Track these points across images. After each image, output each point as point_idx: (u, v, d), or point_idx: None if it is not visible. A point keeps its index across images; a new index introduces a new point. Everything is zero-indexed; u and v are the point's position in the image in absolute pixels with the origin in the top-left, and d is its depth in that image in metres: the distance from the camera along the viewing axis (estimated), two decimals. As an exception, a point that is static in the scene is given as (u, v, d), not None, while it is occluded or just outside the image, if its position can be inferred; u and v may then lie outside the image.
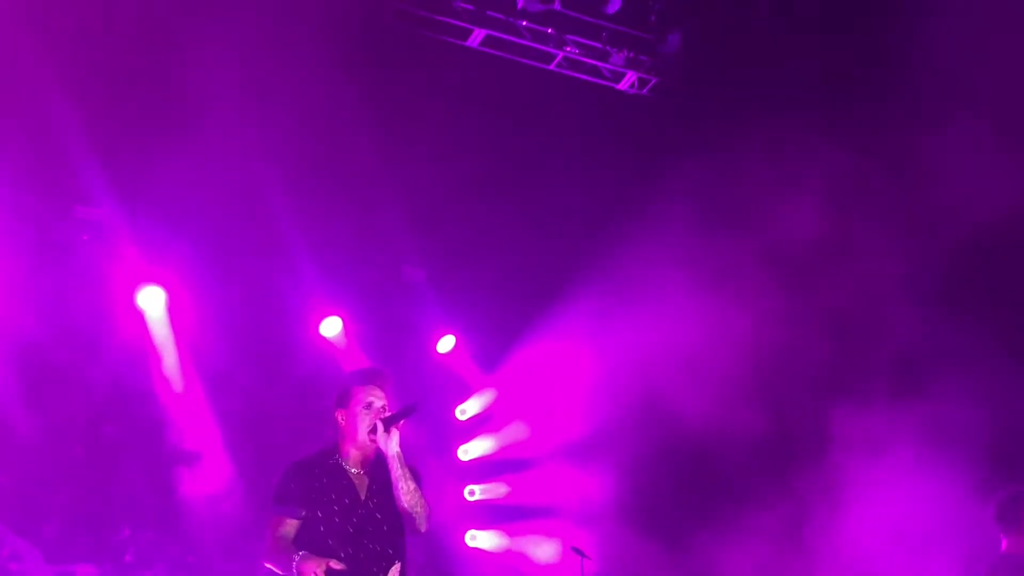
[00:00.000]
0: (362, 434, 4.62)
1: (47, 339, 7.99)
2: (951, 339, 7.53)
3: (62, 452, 8.15)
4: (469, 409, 10.71)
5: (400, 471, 4.56)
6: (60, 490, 8.09)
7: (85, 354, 8.26)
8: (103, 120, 7.47)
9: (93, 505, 8.20)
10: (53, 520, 8.04)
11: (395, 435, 4.58)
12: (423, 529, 4.69)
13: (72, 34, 7.14)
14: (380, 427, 4.57)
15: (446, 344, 10.27)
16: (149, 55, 7.48)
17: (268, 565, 4.53)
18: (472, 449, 10.62)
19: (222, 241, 8.59)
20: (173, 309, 8.51)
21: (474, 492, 10.57)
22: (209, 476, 8.64)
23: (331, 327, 9.32)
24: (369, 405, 4.66)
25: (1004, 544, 6.05)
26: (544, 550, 10.01)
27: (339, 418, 4.74)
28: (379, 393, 4.72)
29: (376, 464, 4.68)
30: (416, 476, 4.68)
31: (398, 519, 4.65)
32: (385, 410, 4.68)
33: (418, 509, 4.62)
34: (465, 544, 10.36)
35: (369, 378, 4.78)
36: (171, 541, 8.46)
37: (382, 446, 4.57)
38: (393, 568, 4.60)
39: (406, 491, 4.57)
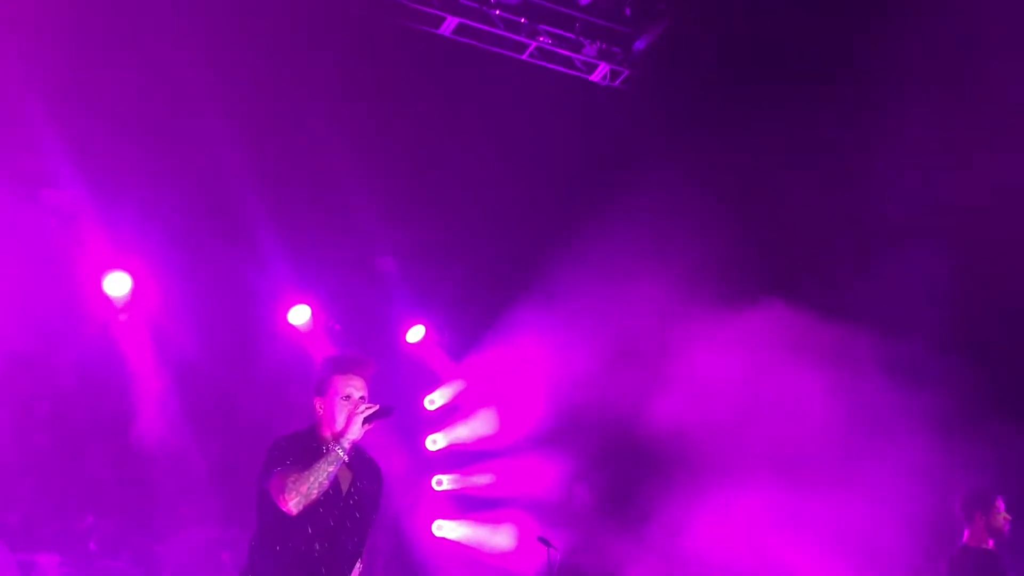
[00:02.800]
0: (339, 424, 4.52)
1: (11, 325, 7.89)
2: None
3: (26, 440, 8.06)
4: (437, 399, 10.71)
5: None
6: (24, 479, 8.01)
7: (51, 341, 8.18)
8: (71, 104, 7.38)
9: (57, 494, 8.14)
10: (17, 509, 7.97)
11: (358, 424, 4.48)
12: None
13: (39, 18, 7.04)
14: (358, 421, 4.46)
15: (416, 334, 10.26)
16: (119, 41, 7.40)
17: (295, 500, 4.32)
18: (440, 439, 10.62)
19: (190, 228, 8.52)
20: (140, 296, 8.43)
21: (441, 482, 10.58)
22: (175, 464, 8.59)
23: (300, 315, 9.28)
24: (348, 396, 4.57)
25: (965, 535, 6.17)
26: (510, 540, 10.04)
27: (317, 406, 4.66)
28: (358, 383, 4.62)
29: (355, 457, 4.62)
30: (375, 472, 4.68)
31: (371, 516, 4.64)
32: (364, 401, 4.58)
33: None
34: (432, 533, 10.37)
35: (349, 366, 4.66)
36: (136, 530, 8.41)
37: (348, 430, 4.45)
38: (355, 569, 4.61)
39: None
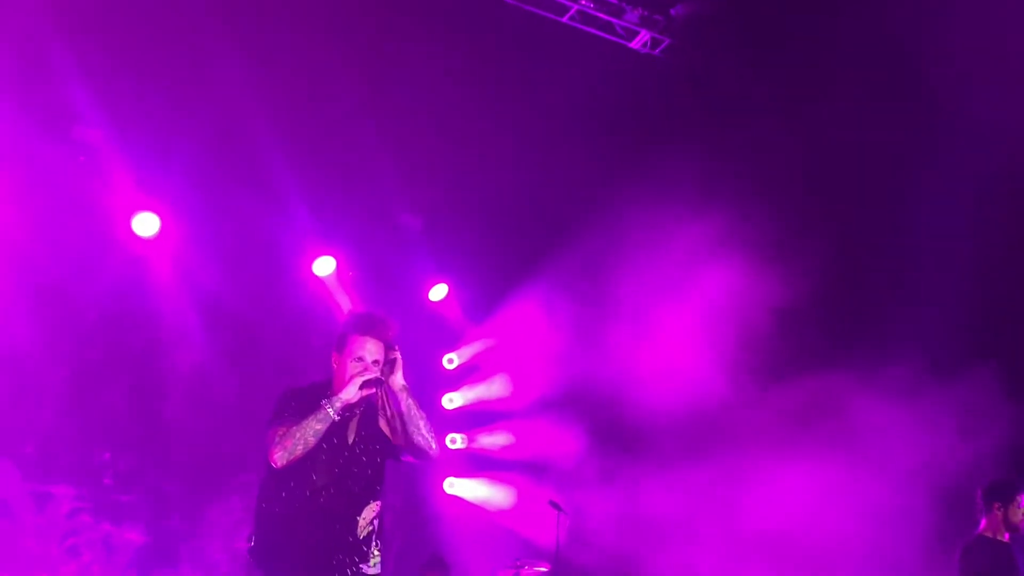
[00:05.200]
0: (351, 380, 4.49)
1: (38, 259, 7.94)
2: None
3: (47, 372, 8.11)
4: (456, 358, 10.72)
5: (408, 402, 4.48)
6: (43, 411, 8.08)
7: (77, 276, 8.22)
8: (101, 47, 7.38)
9: (75, 427, 8.19)
10: (34, 439, 8.05)
11: (399, 369, 4.48)
12: (435, 454, 4.59)
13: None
14: (355, 383, 4.44)
15: (438, 293, 10.26)
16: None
17: (281, 455, 4.34)
18: (456, 398, 10.65)
19: (216, 174, 8.53)
20: (166, 237, 8.45)
21: (455, 440, 10.61)
22: (193, 405, 8.65)
23: (324, 266, 9.29)
24: (360, 358, 4.52)
25: (982, 524, 6.12)
26: (521, 502, 10.07)
27: (333, 361, 4.63)
28: (374, 347, 4.53)
29: (365, 411, 4.62)
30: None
31: (381, 466, 4.61)
32: (378, 364, 4.53)
33: (429, 436, 4.53)
34: (443, 490, 10.42)
35: (367, 327, 4.58)
36: (151, 467, 8.49)
37: (391, 383, 4.46)
38: (370, 506, 4.57)
39: (417, 420, 4.49)
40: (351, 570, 4.49)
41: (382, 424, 4.64)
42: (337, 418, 4.42)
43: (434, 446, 4.60)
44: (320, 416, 4.37)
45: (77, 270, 8.22)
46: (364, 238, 9.54)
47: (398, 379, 4.50)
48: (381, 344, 4.58)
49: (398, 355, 4.54)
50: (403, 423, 4.51)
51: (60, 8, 7.04)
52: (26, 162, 7.82)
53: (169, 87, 7.69)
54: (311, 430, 4.36)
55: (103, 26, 7.27)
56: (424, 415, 4.57)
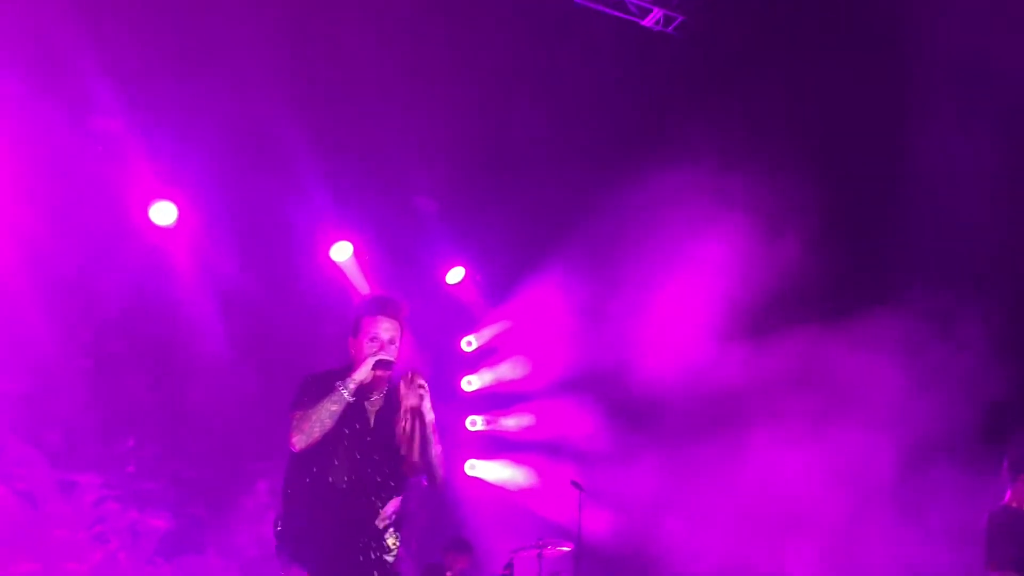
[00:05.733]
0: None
1: (59, 249, 8.00)
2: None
3: (70, 363, 8.18)
4: (474, 341, 10.75)
5: (432, 436, 4.51)
6: (66, 399, 8.14)
7: (96, 266, 8.28)
8: (117, 33, 7.39)
9: (99, 416, 8.25)
10: (58, 428, 8.12)
11: (427, 397, 4.49)
12: (438, 485, 4.65)
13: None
14: (368, 364, 4.48)
15: (455, 275, 10.27)
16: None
17: (298, 439, 4.37)
18: (475, 380, 10.68)
19: (232, 159, 8.55)
20: (184, 225, 8.49)
21: (475, 422, 10.65)
22: (214, 392, 8.70)
23: (341, 252, 9.31)
24: (375, 338, 4.55)
25: (1007, 495, 6.08)
26: (542, 482, 10.11)
27: (350, 346, 4.66)
28: (388, 325, 4.58)
29: (387, 397, 4.62)
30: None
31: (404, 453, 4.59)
32: (394, 343, 4.57)
33: (439, 470, 4.60)
34: (464, 472, 10.47)
35: (379, 308, 4.63)
36: (174, 454, 8.55)
37: (419, 405, 4.47)
38: (392, 501, 4.59)
39: (436, 454, 4.55)
40: (374, 554, 4.52)
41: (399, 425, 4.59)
42: (351, 399, 4.44)
43: (439, 479, 4.63)
44: (334, 397, 4.40)
45: (96, 260, 8.27)
46: (381, 222, 9.56)
47: (426, 411, 4.49)
48: (396, 323, 4.62)
49: (425, 387, 4.50)
50: (420, 447, 4.51)
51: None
52: (45, 152, 7.86)
53: (186, 74, 7.71)
54: (326, 412, 4.39)
55: (119, 14, 7.28)
56: (440, 450, 4.59)
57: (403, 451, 4.52)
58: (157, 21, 7.53)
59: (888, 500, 7.85)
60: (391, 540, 4.60)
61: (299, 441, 4.38)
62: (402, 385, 4.52)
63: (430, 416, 4.52)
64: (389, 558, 4.58)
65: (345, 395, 4.42)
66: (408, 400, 4.49)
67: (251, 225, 8.89)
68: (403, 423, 4.53)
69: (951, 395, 7.55)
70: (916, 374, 7.78)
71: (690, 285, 8.71)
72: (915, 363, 7.78)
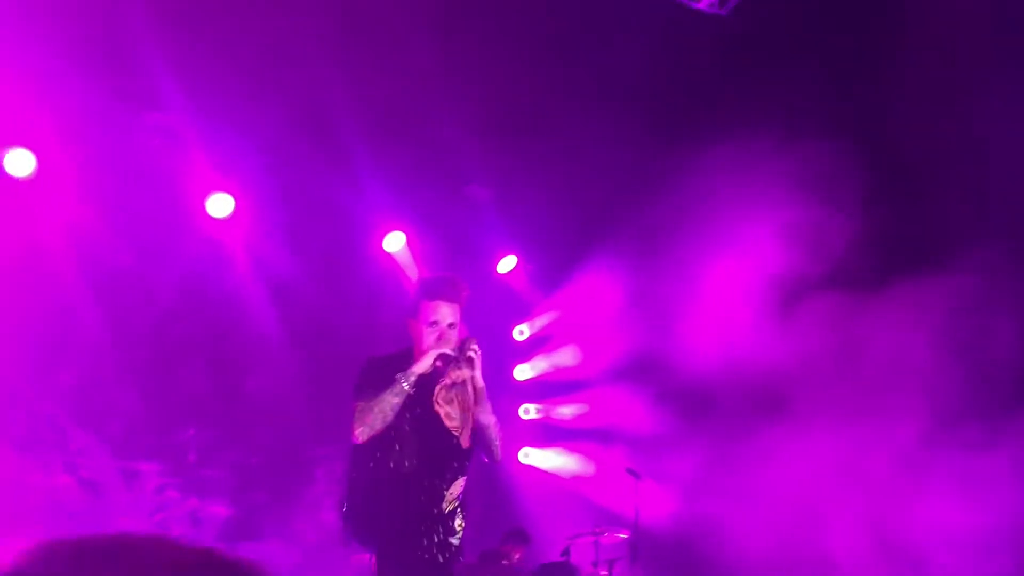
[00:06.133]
0: (428, 347, 4.51)
1: (117, 241, 8.11)
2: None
3: (129, 353, 8.31)
4: (527, 330, 10.75)
5: (482, 404, 4.51)
6: (126, 389, 8.27)
7: (154, 258, 8.39)
8: (175, 29, 7.46)
9: (158, 405, 8.37)
10: (119, 418, 8.25)
11: (478, 369, 4.48)
12: (498, 458, 4.67)
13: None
14: (429, 356, 4.46)
15: (507, 264, 10.28)
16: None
17: (361, 431, 4.40)
18: (528, 369, 10.68)
19: (287, 153, 8.61)
20: (239, 217, 8.58)
21: (528, 411, 10.66)
22: (272, 380, 8.79)
23: (394, 242, 9.36)
24: (435, 323, 4.52)
25: None
26: (597, 470, 10.09)
27: (410, 328, 4.64)
28: (448, 309, 4.54)
29: (450, 383, 4.59)
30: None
31: (473, 434, 4.60)
32: (453, 327, 4.53)
33: (495, 442, 4.60)
34: (518, 461, 10.48)
35: (437, 291, 4.58)
36: (233, 442, 8.65)
37: (467, 378, 4.48)
38: (457, 482, 4.60)
39: (488, 424, 4.55)
40: (437, 537, 4.54)
41: (440, 408, 4.59)
42: (412, 391, 4.44)
43: (496, 450, 4.63)
44: (395, 390, 4.40)
45: (154, 251, 8.39)
46: (433, 211, 9.59)
47: (477, 379, 4.49)
48: (456, 306, 4.58)
49: (475, 353, 4.49)
50: (472, 417, 4.53)
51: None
52: (104, 145, 7.98)
53: (243, 68, 7.77)
54: (388, 404, 4.40)
55: (177, 8, 7.36)
56: (495, 420, 4.58)
57: (450, 424, 4.50)
58: (214, 14, 7.59)
59: (943, 478, 7.72)
60: (457, 522, 4.60)
61: (361, 433, 4.41)
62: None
63: (480, 384, 4.50)
64: (454, 540, 4.59)
65: (405, 387, 4.42)
66: (456, 371, 4.47)
67: (305, 216, 8.96)
68: (450, 393, 4.52)
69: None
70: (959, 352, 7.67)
71: (740, 269, 8.63)
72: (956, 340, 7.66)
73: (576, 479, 10.28)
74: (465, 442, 4.52)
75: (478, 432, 4.56)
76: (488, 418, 4.55)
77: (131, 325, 8.36)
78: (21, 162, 7.64)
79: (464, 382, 4.50)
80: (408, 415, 4.50)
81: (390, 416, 4.41)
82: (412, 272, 9.43)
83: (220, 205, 8.45)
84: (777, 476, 8.45)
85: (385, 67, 8.17)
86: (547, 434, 10.57)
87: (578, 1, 8.44)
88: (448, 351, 4.48)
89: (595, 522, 8.56)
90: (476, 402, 4.51)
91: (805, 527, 8.27)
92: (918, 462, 7.81)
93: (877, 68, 8.01)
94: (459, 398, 4.54)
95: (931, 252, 7.88)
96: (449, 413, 4.52)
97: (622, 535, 8.27)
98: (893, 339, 7.96)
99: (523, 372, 10.69)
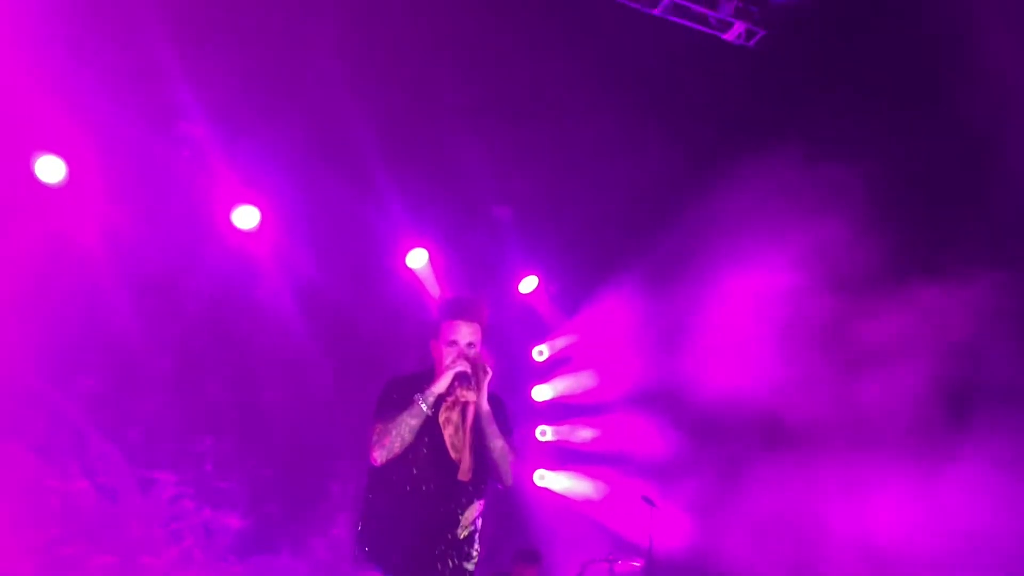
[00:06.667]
0: (447, 367, 4.45)
1: (145, 251, 8.18)
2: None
3: (151, 362, 8.35)
4: (546, 350, 10.74)
5: (487, 428, 4.45)
6: (147, 397, 8.31)
7: (179, 268, 8.44)
8: (202, 44, 7.55)
9: (178, 414, 8.41)
10: (138, 426, 8.29)
11: (484, 391, 4.45)
12: (507, 483, 4.58)
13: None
14: (447, 376, 4.43)
15: (528, 284, 10.29)
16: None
17: (379, 454, 4.37)
18: (546, 390, 10.66)
19: (313, 168, 8.67)
20: (265, 229, 8.63)
21: (545, 432, 10.64)
22: (291, 394, 8.82)
23: (417, 259, 9.39)
24: (454, 342, 4.50)
25: None
26: (612, 495, 10.05)
27: (432, 349, 4.63)
28: (467, 329, 4.52)
29: (467, 405, 4.53)
30: (505, 421, 4.58)
31: (483, 459, 4.54)
32: (473, 346, 4.51)
33: (504, 467, 4.52)
34: (533, 482, 10.45)
35: (457, 311, 4.57)
36: (250, 454, 8.68)
37: (472, 399, 4.44)
38: (473, 505, 4.58)
39: (493, 448, 4.47)
40: (452, 562, 4.50)
41: (444, 429, 4.53)
42: (431, 413, 4.42)
43: (507, 475, 4.55)
44: (413, 412, 4.38)
45: (180, 262, 8.44)
46: (456, 230, 9.62)
47: (481, 404, 4.45)
48: (476, 326, 4.55)
49: (485, 375, 4.45)
50: (474, 443, 4.47)
51: (165, 6, 7.22)
52: (133, 157, 8.05)
53: (270, 84, 7.85)
54: (406, 426, 4.38)
55: (206, 23, 7.44)
56: (503, 444, 4.50)
57: (454, 454, 4.46)
58: (242, 30, 7.68)
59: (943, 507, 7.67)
60: (473, 548, 4.57)
61: (380, 456, 4.39)
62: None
63: (484, 408, 4.45)
64: (469, 566, 4.54)
65: (424, 408, 4.40)
66: (464, 392, 4.42)
67: (330, 230, 9.01)
68: (451, 413, 4.48)
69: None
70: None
71: (760, 300, 8.62)
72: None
73: (591, 504, 10.24)
74: (464, 467, 4.47)
75: (485, 455, 4.52)
76: (495, 442, 4.49)
77: (156, 334, 8.41)
78: (52, 169, 7.72)
79: (467, 404, 4.47)
80: (426, 438, 4.48)
81: (409, 438, 4.39)
82: (434, 289, 9.46)
83: (246, 217, 8.50)
84: (795, 509, 8.41)
85: (409, 87, 8.23)
86: (563, 457, 10.54)
87: (608, 31, 8.49)
88: (466, 370, 4.45)
89: (609, 548, 8.54)
90: (482, 425, 4.46)
91: (814, 556, 8.25)
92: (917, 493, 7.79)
93: (907, 105, 7.99)
94: (459, 419, 4.51)
95: (942, 283, 7.87)
96: (451, 434, 4.51)
97: (636, 563, 8.23)
98: (912, 381, 7.95)
99: (541, 393, 10.67)
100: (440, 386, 4.43)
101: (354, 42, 7.82)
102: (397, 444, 4.40)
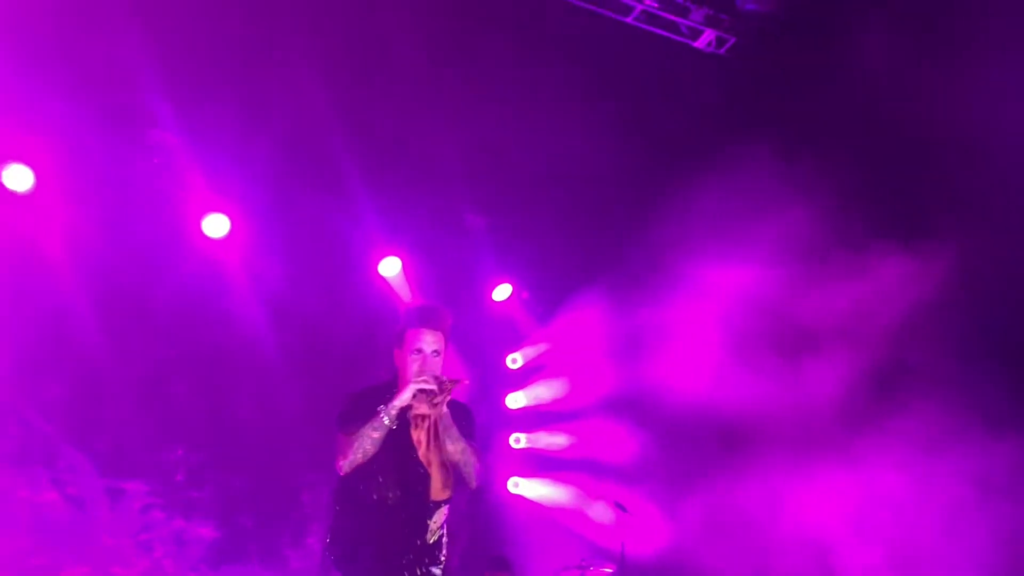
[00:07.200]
0: (412, 375, 4.50)
1: (113, 258, 8.12)
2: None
3: (121, 371, 8.28)
4: (520, 358, 10.75)
5: (444, 432, 4.48)
6: (116, 406, 8.23)
7: (149, 276, 8.38)
8: (173, 49, 7.53)
9: (148, 424, 8.33)
10: (108, 436, 8.22)
11: (442, 408, 4.46)
12: (473, 485, 4.63)
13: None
14: (410, 389, 4.44)
15: (502, 292, 10.29)
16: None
17: (344, 464, 4.41)
18: (520, 398, 10.67)
19: (284, 175, 8.64)
20: (235, 238, 8.59)
21: (519, 440, 10.63)
22: (262, 403, 8.77)
23: (390, 267, 9.37)
24: (419, 350, 4.53)
25: None
26: (585, 502, 10.07)
27: (395, 358, 4.66)
28: (431, 337, 4.56)
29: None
30: (470, 427, 4.62)
31: (449, 468, 4.59)
32: (438, 355, 4.55)
33: (467, 468, 4.56)
34: (507, 490, 10.45)
35: (423, 319, 4.60)
36: (221, 464, 8.62)
37: (428, 413, 4.49)
38: (441, 510, 4.61)
39: (453, 452, 4.51)
40: (420, 569, 4.52)
41: (414, 434, 4.58)
42: (394, 426, 4.44)
43: (471, 477, 4.58)
44: (376, 424, 4.40)
45: (149, 270, 8.37)
46: (429, 238, 9.61)
47: (439, 415, 4.47)
48: (439, 334, 4.58)
49: (449, 390, 4.45)
50: (434, 446, 4.52)
51: (135, 12, 7.19)
52: (100, 163, 8.00)
53: (240, 90, 7.83)
54: (368, 439, 4.40)
55: (177, 29, 7.42)
56: (464, 447, 4.52)
57: (420, 454, 4.49)
58: (213, 37, 7.66)
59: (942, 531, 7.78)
60: (441, 553, 4.60)
61: (344, 466, 4.43)
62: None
63: (442, 411, 4.45)
64: (437, 571, 4.58)
65: (386, 422, 4.42)
66: (423, 405, 4.44)
67: (301, 238, 8.97)
68: (413, 427, 4.51)
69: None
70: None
71: (729, 308, 8.68)
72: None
73: (564, 510, 10.25)
74: (436, 485, 4.52)
75: (449, 460, 4.55)
76: (456, 444, 4.52)
77: (125, 342, 8.33)
78: (20, 177, 7.66)
79: (427, 416, 4.52)
80: (390, 446, 4.50)
81: (371, 450, 4.42)
82: (407, 297, 9.45)
83: (216, 225, 8.46)
84: (767, 515, 8.48)
85: (382, 94, 8.23)
86: (537, 464, 10.54)
87: (579, 37, 8.53)
88: (429, 386, 4.45)
89: (582, 554, 8.54)
90: (440, 431, 4.50)
91: (798, 567, 8.32)
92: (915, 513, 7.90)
93: (882, 110, 8.08)
94: (427, 437, 4.56)
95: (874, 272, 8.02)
96: (423, 453, 4.54)
97: (608, 569, 8.25)
98: (884, 384, 8.05)
99: (515, 400, 10.67)
100: (402, 400, 4.44)
101: (326, 49, 7.82)
102: (360, 455, 4.43)
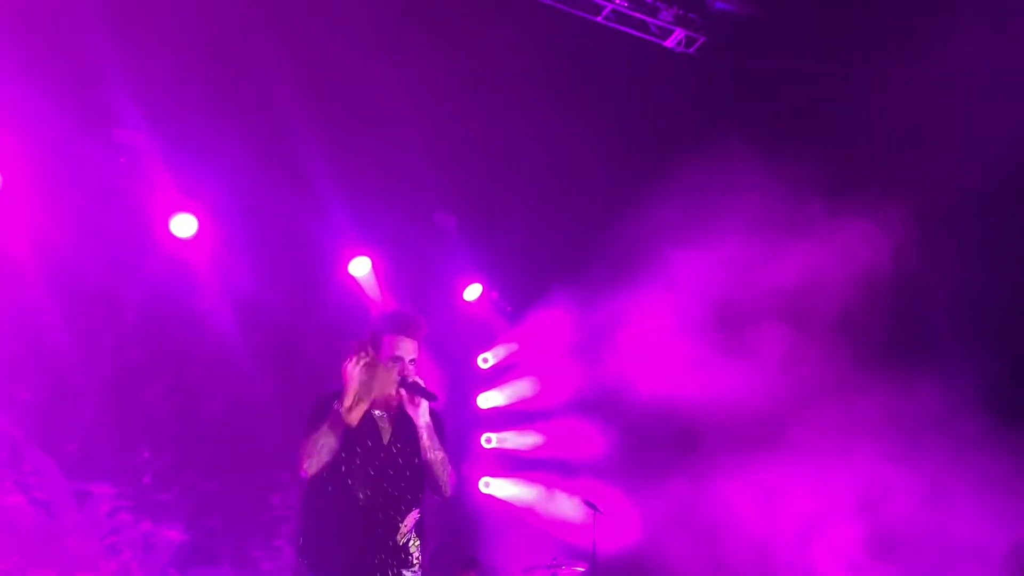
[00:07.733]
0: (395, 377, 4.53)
1: (80, 259, 8.04)
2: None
3: (88, 372, 8.21)
4: (491, 358, 10.74)
5: (428, 441, 4.53)
6: (84, 409, 8.18)
7: (117, 277, 8.32)
8: (141, 49, 7.48)
9: (115, 426, 8.27)
10: (75, 438, 8.15)
11: (424, 404, 4.52)
12: (446, 494, 4.65)
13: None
14: (404, 393, 4.52)
15: (473, 292, 10.28)
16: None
17: (307, 464, 4.39)
18: (491, 397, 10.66)
19: (252, 175, 8.59)
20: (203, 237, 8.53)
21: (490, 440, 10.63)
22: (231, 404, 8.72)
23: (360, 267, 9.34)
24: (397, 358, 4.55)
25: None
26: (556, 501, 10.08)
27: (343, 366, 4.57)
28: (409, 345, 4.59)
29: (401, 411, 4.62)
30: (442, 436, 4.63)
31: (419, 468, 4.61)
32: (414, 363, 4.58)
33: (443, 477, 4.59)
34: (479, 490, 10.44)
35: (401, 327, 4.62)
36: (190, 466, 8.56)
37: (412, 415, 4.52)
38: (411, 514, 4.59)
39: (433, 460, 4.55)
40: (392, 571, 4.51)
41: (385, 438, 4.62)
42: (352, 424, 4.42)
43: (445, 486, 4.62)
44: (331, 420, 4.40)
45: (116, 271, 8.31)
46: (399, 237, 9.59)
47: (421, 415, 4.52)
48: (415, 342, 4.62)
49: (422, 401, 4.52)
50: (423, 455, 4.56)
51: (102, 11, 7.13)
52: (67, 163, 7.93)
53: (208, 89, 7.78)
54: (326, 435, 4.39)
55: (144, 27, 7.36)
56: (443, 456, 4.58)
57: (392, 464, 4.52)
58: (181, 35, 7.60)
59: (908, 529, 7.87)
60: (414, 554, 4.59)
61: (309, 467, 4.40)
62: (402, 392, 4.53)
63: (424, 419, 4.51)
64: (409, 573, 4.57)
65: (345, 417, 4.40)
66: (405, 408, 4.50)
67: (270, 238, 8.93)
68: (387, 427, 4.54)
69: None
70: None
71: (695, 307, 8.73)
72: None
73: (535, 510, 10.26)
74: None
75: (425, 466, 4.58)
76: (436, 453, 4.57)
77: (92, 344, 8.28)
78: (-16, 178, 7.57)
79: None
80: (359, 448, 4.50)
81: (334, 445, 4.40)
82: (377, 297, 9.41)
83: (184, 225, 8.39)
84: (738, 511, 8.53)
85: (351, 94, 8.20)
86: (507, 463, 10.55)
87: (549, 36, 8.53)
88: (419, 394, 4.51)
89: (553, 554, 8.54)
90: (424, 438, 4.55)
91: (768, 562, 8.37)
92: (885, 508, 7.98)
93: (850, 110, 8.15)
94: (391, 428, 4.62)
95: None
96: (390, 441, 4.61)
97: (579, 568, 8.25)
98: (851, 377, 8.11)
99: (486, 400, 10.67)
100: (347, 399, 4.41)
101: (294, 49, 7.78)
102: (325, 452, 4.41)
